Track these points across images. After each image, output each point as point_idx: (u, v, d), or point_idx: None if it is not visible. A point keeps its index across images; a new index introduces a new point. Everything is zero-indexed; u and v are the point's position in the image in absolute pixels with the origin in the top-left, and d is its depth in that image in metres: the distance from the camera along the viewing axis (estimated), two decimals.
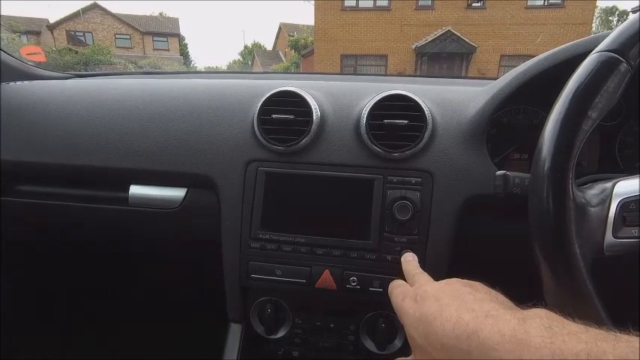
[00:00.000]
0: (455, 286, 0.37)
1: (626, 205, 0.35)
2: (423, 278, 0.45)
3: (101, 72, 1.03)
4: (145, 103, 0.68)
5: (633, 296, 0.42)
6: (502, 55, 13.47)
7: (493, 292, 0.36)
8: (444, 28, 13.23)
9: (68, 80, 0.86)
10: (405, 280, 0.48)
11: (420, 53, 13.61)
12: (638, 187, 0.35)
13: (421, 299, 0.37)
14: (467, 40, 13.27)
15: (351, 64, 14.22)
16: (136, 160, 0.64)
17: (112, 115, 0.68)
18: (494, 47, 13.45)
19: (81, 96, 0.73)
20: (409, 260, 0.53)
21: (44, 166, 0.68)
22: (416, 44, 13.54)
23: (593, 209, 0.35)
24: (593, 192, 0.37)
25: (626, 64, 0.34)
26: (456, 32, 13.21)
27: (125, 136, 0.65)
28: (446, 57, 13.57)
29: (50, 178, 0.72)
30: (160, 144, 0.64)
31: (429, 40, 13.28)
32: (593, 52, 0.36)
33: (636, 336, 0.24)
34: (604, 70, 0.34)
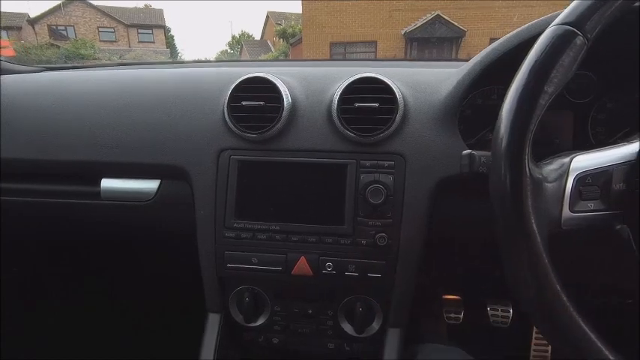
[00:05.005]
0: None
1: (582, 179, 0.35)
2: None
3: (72, 64, 1.00)
4: (114, 95, 0.67)
5: (588, 268, 0.43)
6: (492, 39, 13.20)
7: None
8: (433, 12, 13.10)
9: (38, 74, 0.84)
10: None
11: (410, 39, 13.50)
12: (594, 162, 0.35)
13: None
14: (456, 24, 13.17)
15: (340, 52, 14.05)
16: (106, 153, 0.63)
17: (81, 107, 0.66)
18: (483, 31, 13.35)
19: (50, 89, 0.71)
20: None
21: (14, 161, 0.67)
22: (405, 29, 13.41)
23: (550, 184, 0.35)
24: (552, 167, 0.37)
25: (582, 37, 0.34)
26: (445, 16, 13.09)
27: (94, 129, 0.64)
28: (435, 42, 13.47)
29: (21, 175, 0.70)
30: (129, 135, 0.63)
31: (418, 25, 13.16)
32: (550, 25, 0.36)
33: None
34: (559, 43, 0.34)
